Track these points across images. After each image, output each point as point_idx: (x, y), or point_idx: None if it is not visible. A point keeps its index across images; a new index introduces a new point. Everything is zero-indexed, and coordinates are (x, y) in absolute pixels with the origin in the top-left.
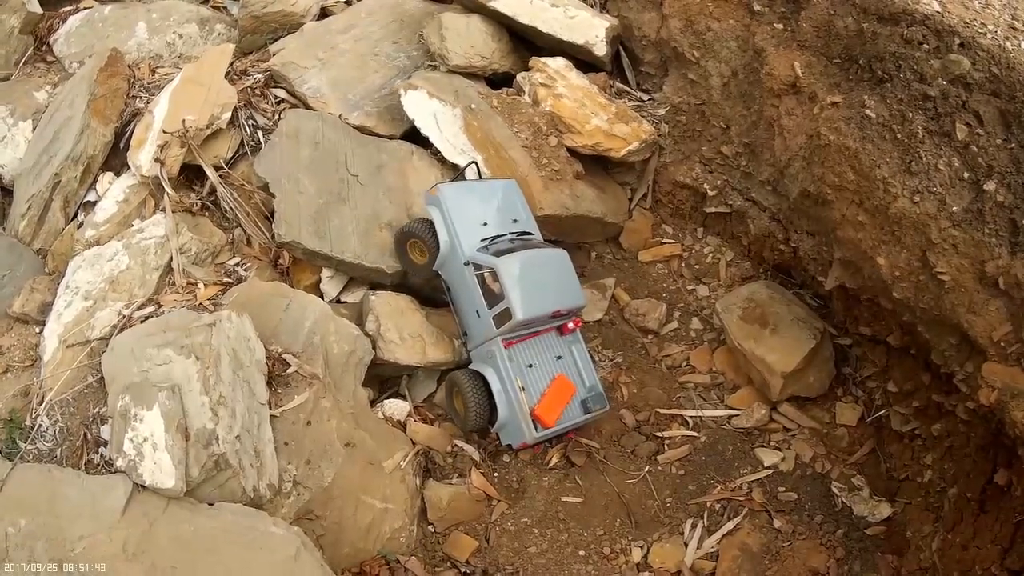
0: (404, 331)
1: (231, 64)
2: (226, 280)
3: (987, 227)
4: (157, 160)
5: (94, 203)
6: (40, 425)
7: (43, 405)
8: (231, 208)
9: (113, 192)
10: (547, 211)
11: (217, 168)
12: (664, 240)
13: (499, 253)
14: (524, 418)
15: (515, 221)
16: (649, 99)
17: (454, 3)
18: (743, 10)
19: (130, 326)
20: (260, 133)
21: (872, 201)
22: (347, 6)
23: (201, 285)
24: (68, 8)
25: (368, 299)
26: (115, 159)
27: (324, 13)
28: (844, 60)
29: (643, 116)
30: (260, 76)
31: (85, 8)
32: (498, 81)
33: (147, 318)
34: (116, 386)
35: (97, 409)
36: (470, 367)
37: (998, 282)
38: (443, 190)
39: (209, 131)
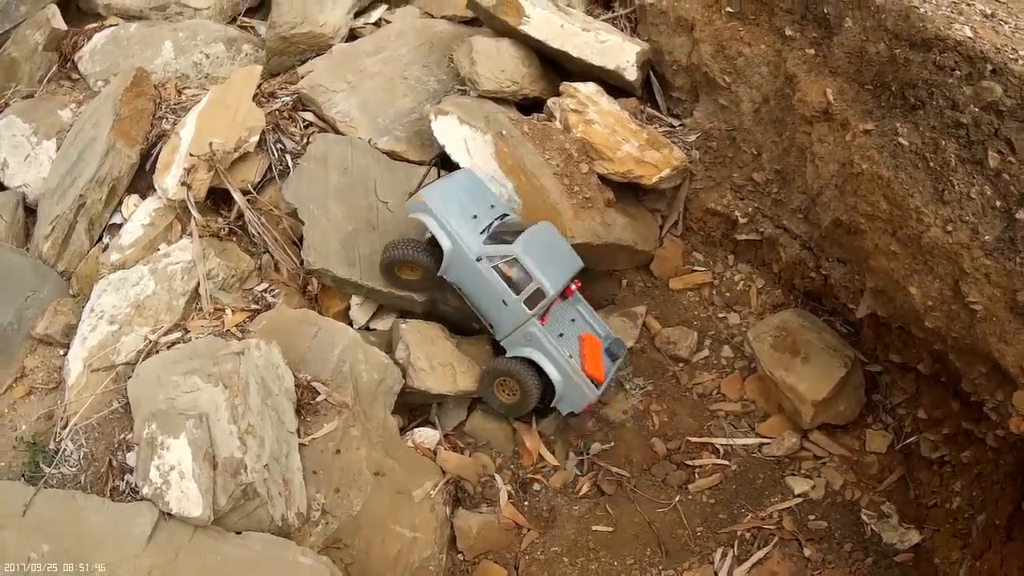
0: (434, 359)
1: (258, 86)
2: (254, 307)
3: (1019, 256)
4: (184, 184)
5: (119, 226)
6: (64, 450)
7: (67, 429)
8: (259, 233)
9: (139, 215)
10: (579, 239)
11: (245, 192)
12: (695, 268)
13: (502, 241)
14: (583, 381)
15: (492, 207)
16: (680, 125)
17: (484, 27)
18: (774, 35)
19: (156, 352)
20: (288, 157)
21: (905, 230)
22: (376, 28)
23: (229, 311)
24: (93, 25)
25: (398, 327)
26: (141, 181)
27: (353, 35)
28: (876, 87)
29: (674, 142)
30: (288, 99)
31: (111, 25)
32: (528, 106)
33: (173, 344)
34: (142, 413)
35: (123, 435)
36: (510, 355)
37: None
38: (429, 196)
39: (237, 154)
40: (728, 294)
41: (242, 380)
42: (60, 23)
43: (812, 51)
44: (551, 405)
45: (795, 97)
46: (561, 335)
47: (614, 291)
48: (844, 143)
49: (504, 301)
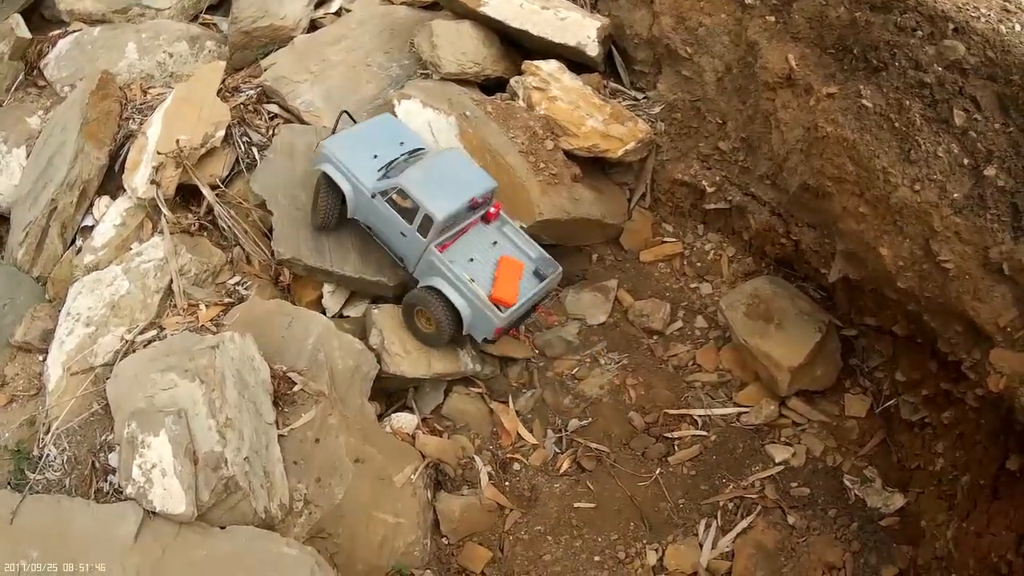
0: (408, 343)
1: (223, 81)
2: (227, 300)
3: (989, 213)
4: (153, 182)
5: (91, 228)
6: (48, 455)
7: (50, 435)
8: (229, 227)
9: (110, 216)
10: (546, 215)
11: (213, 187)
12: (665, 239)
13: (397, 173)
14: (486, 306)
15: (401, 143)
16: (644, 97)
17: (444, 11)
18: (734, 4)
19: (133, 351)
20: (255, 150)
21: (872, 192)
22: (336, 17)
23: (203, 306)
24: (57, 32)
25: (371, 313)
26: (110, 182)
27: (314, 26)
28: (838, 50)
29: (638, 115)
30: (252, 92)
31: (74, 31)
32: (491, 87)
33: (150, 342)
34: (122, 413)
35: (104, 437)
36: (420, 286)
37: (1002, 268)
38: (327, 145)
39: (203, 150)
40: (699, 264)
41: (218, 374)
42: (24, 32)
43: (772, 18)
44: (463, 332)
45: (757, 64)
46: (472, 260)
47: (584, 266)
48: (808, 108)
49: (402, 233)
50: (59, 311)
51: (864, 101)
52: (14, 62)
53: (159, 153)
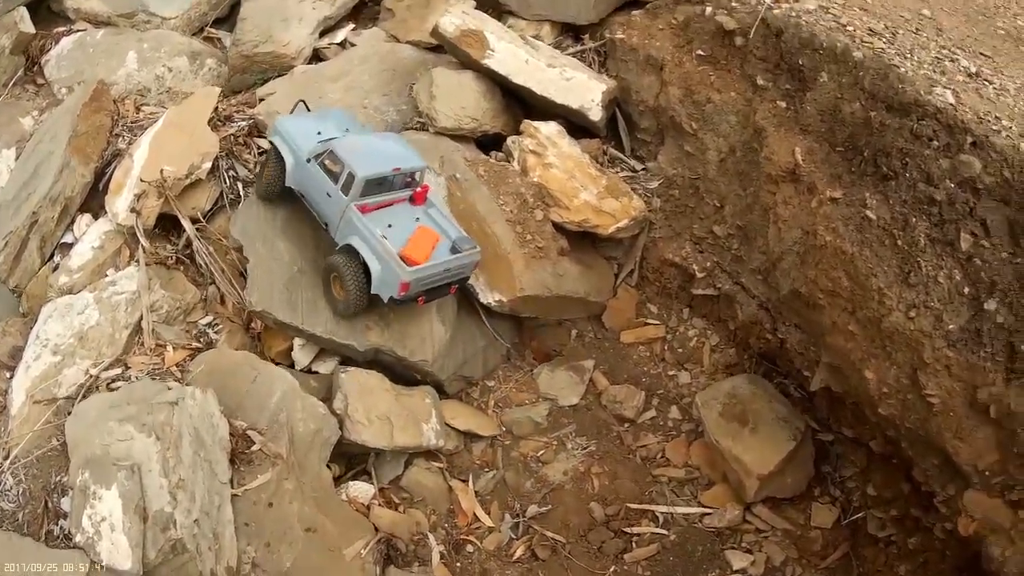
0: (372, 412)
1: (215, 108)
2: (195, 345)
3: (983, 350)
4: (133, 210)
5: (71, 245)
6: (4, 483)
7: (7, 461)
8: (206, 264)
9: (89, 237)
10: (528, 291)
11: (194, 220)
12: (648, 320)
13: None
14: (394, 260)
15: (347, 130)
16: (643, 169)
17: (447, 55)
18: (745, 83)
19: (96, 388)
20: (240, 185)
21: (865, 311)
22: (341, 48)
23: (170, 348)
24: (61, 28)
25: (338, 375)
26: (94, 200)
27: (317, 55)
28: (848, 150)
29: (635, 188)
30: (244, 124)
31: (78, 30)
32: (488, 142)
33: (113, 380)
34: (77, 457)
35: (59, 477)
36: (336, 249)
37: (989, 410)
38: (279, 120)
39: (188, 181)
40: (680, 350)
41: (175, 432)
42: (28, 26)
43: (783, 104)
44: (372, 292)
45: (763, 153)
46: (390, 226)
47: (563, 341)
48: (809, 209)
49: (328, 193)
50: (31, 328)
51: (868, 212)
52: (15, 56)
53: (142, 180)
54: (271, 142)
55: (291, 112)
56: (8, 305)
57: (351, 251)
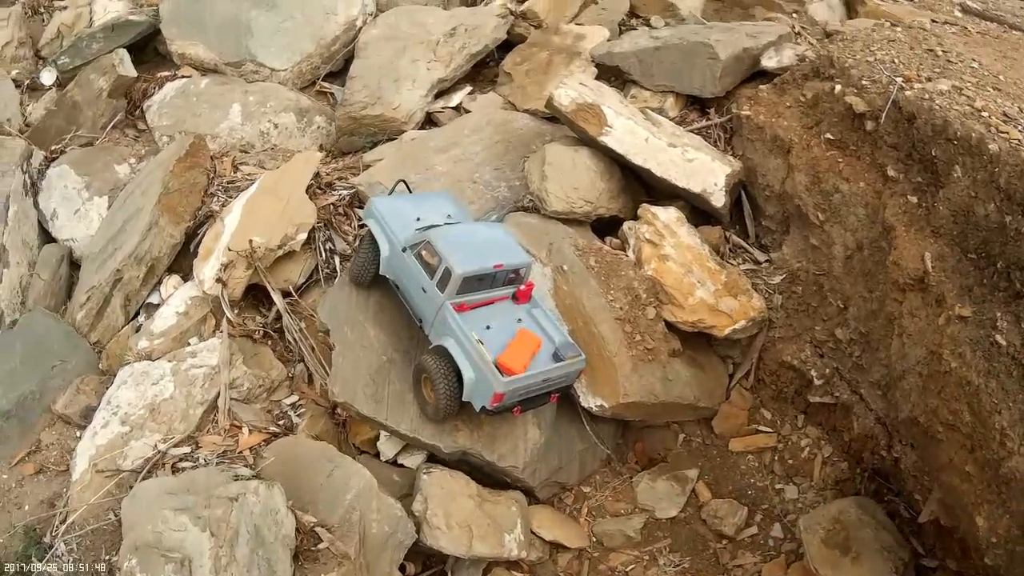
0: (452, 518)
1: (317, 173)
2: (273, 429)
3: None
4: (219, 280)
5: (157, 306)
6: (56, 549)
7: (64, 526)
8: (295, 340)
9: (175, 301)
10: (632, 398)
11: (285, 294)
12: (760, 428)
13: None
14: (489, 369)
15: (449, 216)
16: (766, 260)
17: (562, 122)
18: (876, 173)
19: (163, 464)
20: (337, 259)
21: (985, 452)
22: (456, 113)
23: (246, 430)
24: (165, 73)
25: (420, 476)
26: (185, 259)
27: (430, 119)
28: (980, 258)
29: (757, 283)
30: (346, 193)
31: (183, 76)
32: (604, 225)
33: (181, 459)
34: (129, 540)
35: (110, 556)
36: (429, 348)
37: None
38: (375, 201)
39: (280, 252)
40: (791, 461)
41: (231, 529)
42: (128, 70)
43: (915, 200)
44: (463, 399)
45: (891, 255)
46: (488, 327)
47: (669, 446)
48: (936, 327)
49: (423, 288)
50: (106, 388)
51: (998, 336)
52: (112, 100)
53: (230, 250)
54: (365, 224)
55: (390, 192)
56: (87, 361)
57: (444, 353)
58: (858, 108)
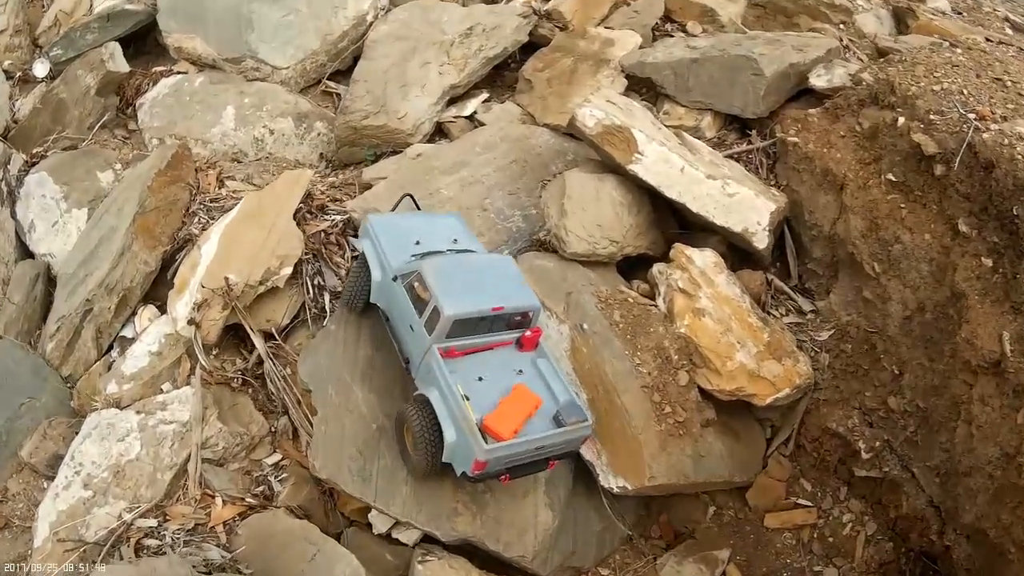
0: None
1: (308, 193)
2: (250, 499)
3: None
4: (192, 322)
5: (132, 339)
6: None
7: None
8: (277, 391)
9: (148, 338)
10: (659, 480)
11: (268, 336)
12: (799, 502)
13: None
14: (471, 431)
15: (455, 240)
16: (812, 311)
17: (587, 146)
18: (944, 225)
19: (127, 539)
20: (326, 297)
21: None
22: (469, 124)
23: (219, 500)
24: (160, 68)
25: (415, 566)
26: (162, 287)
27: (440, 129)
28: None
29: (802, 339)
30: (339, 219)
31: (179, 72)
32: (630, 264)
33: (147, 535)
34: None
35: None
36: (412, 396)
37: None
38: (372, 219)
39: (263, 288)
40: (831, 539)
41: None
42: (119, 64)
43: (990, 263)
44: (442, 460)
45: (961, 330)
46: (481, 379)
47: (698, 519)
48: (1014, 424)
49: (411, 326)
50: (75, 433)
51: None
52: (101, 98)
53: (204, 287)
54: (359, 246)
55: (394, 207)
56: (58, 399)
57: (427, 405)
58: (928, 149)
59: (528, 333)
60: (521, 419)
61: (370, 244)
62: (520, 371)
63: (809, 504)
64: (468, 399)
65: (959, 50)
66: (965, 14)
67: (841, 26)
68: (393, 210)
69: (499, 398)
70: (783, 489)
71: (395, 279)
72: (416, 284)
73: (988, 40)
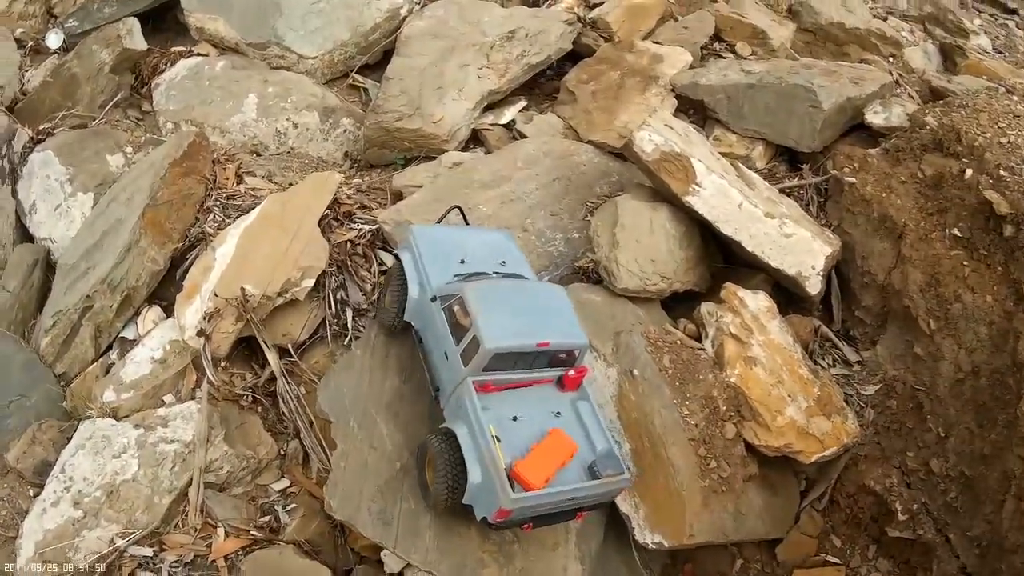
0: None
1: (335, 199)
2: (254, 532)
3: None
4: (201, 333)
5: (133, 341)
6: None
7: None
8: (289, 412)
9: (152, 342)
10: (698, 538)
11: (283, 352)
12: (828, 559)
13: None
14: (498, 476)
15: (503, 263)
16: (858, 361)
17: (637, 168)
18: (1007, 288)
19: (119, 566)
20: (349, 313)
21: None
22: (506, 132)
23: (221, 531)
24: (180, 48)
25: None
26: (170, 286)
27: (476, 136)
28: None
29: (848, 395)
30: (367, 229)
31: (199, 54)
32: (674, 301)
33: (141, 565)
34: None
35: None
36: (438, 428)
37: None
38: (415, 230)
39: (281, 300)
40: None
41: None
42: (137, 42)
43: None
44: (463, 501)
45: (1021, 404)
46: (515, 419)
47: (724, 570)
48: None
49: (446, 353)
50: (66, 439)
51: None
52: (116, 76)
53: (217, 295)
54: (398, 256)
55: (440, 220)
56: (49, 398)
57: (453, 439)
58: (1000, 209)
59: (572, 373)
60: (554, 467)
61: (410, 257)
62: (558, 413)
63: (838, 562)
64: (499, 440)
65: (1015, 97)
66: (1006, 53)
67: (891, 59)
68: (439, 222)
69: (532, 442)
70: (813, 546)
71: (434, 299)
72: (456, 308)
73: None
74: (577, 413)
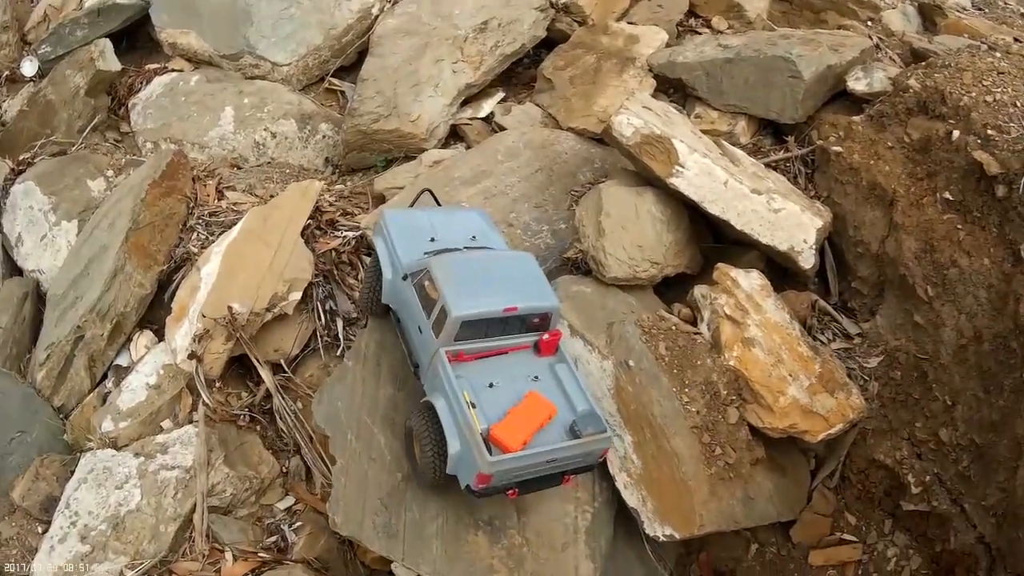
0: None
1: (317, 207)
2: (262, 554)
3: None
4: (192, 355)
5: (127, 368)
6: None
7: None
8: (288, 428)
9: (146, 368)
10: (708, 528)
11: (277, 367)
12: (844, 536)
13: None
14: (475, 442)
15: (473, 238)
16: (858, 334)
17: (619, 153)
18: (1003, 250)
19: None
20: (339, 323)
21: None
22: (485, 125)
23: (229, 555)
24: (154, 66)
25: None
26: (159, 309)
27: (455, 131)
28: None
29: (851, 370)
30: (351, 236)
31: (174, 70)
32: (668, 285)
33: None
34: None
35: None
36: (419, 403)
37: None
38: (386, 214)
39: (270, 315)
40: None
41: None
42: (111, 63)
43: None
44: (447, 471)
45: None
46: (492, 385)
47: (739, 556)
48: None
49: (420, 328)
50: (69, 472)
51: None
52: (91, 99)
53: (205, 316)
54: (373, 242)
55: (411, 204)
56: (50, 432)
57: (432, 412)
58: (990, 169)
59: (546, 337)
60: (532, 429)
61: (382, 241)
62: (536, 377)
63: (854, 539)
64: (474, 407)
65: (998, 54)
66: (985, 10)
67: (869, 23)
68: (411, 206)
69: (510, 407)
70: (827, 525)
71: (405, 278)
72: (425, 283)
73: (1017, 41)
74: (556, 376)
